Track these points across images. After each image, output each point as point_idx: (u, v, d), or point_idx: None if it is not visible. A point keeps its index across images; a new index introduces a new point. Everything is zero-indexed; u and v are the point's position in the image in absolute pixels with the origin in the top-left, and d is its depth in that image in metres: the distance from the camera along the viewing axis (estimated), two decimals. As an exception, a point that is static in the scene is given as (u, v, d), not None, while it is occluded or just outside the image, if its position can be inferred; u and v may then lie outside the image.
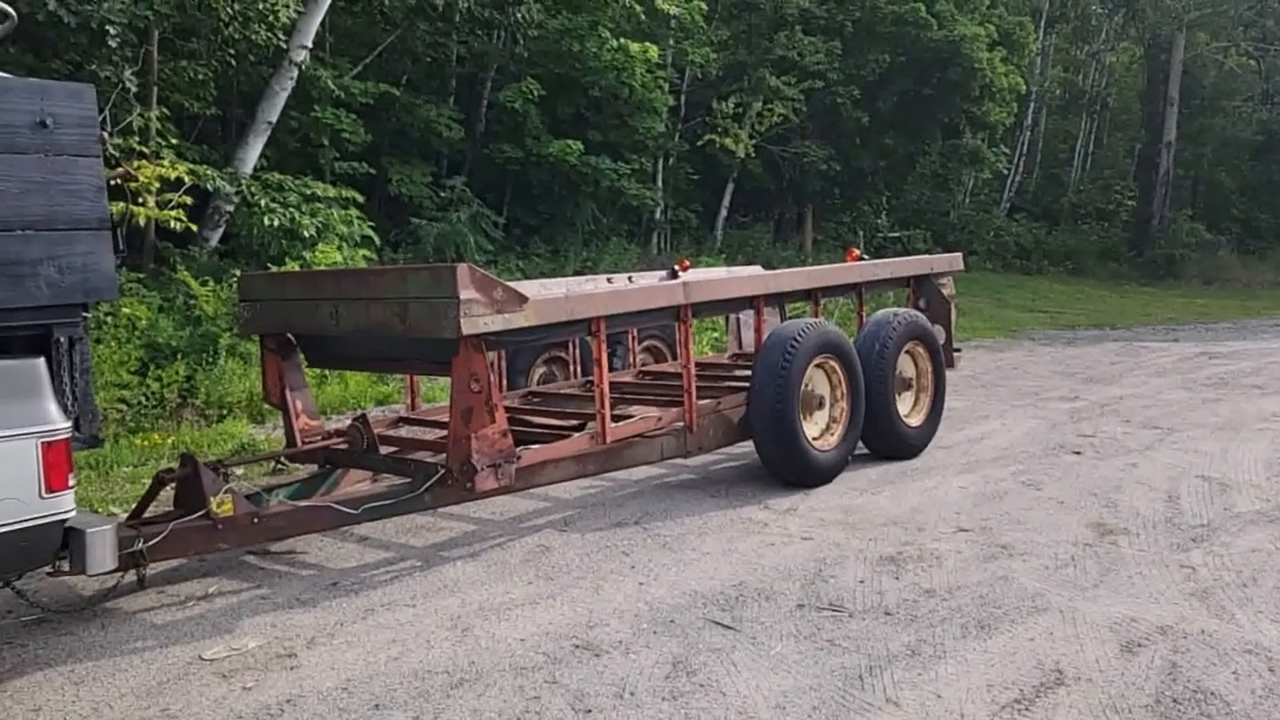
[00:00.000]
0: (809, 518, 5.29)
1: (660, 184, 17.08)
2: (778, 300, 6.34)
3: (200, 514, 4.22)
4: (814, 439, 5.84)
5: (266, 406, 8.14)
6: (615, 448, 5.24)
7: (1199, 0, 26.43)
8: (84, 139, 3.20)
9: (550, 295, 5.11)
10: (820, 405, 5.95)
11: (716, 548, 4.81)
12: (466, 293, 4.30)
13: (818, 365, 5.86)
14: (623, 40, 14.15)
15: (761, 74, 16.59)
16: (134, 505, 4.48)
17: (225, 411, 8.05)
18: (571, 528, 5.23)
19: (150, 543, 4.03)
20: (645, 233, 17.35)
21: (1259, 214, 27.64)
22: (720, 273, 8.39)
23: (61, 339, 3.24)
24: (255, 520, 4.35)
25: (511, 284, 4.71)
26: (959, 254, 7.98)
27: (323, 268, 9.53)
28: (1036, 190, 29.45)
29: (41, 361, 3.19)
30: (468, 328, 4.30)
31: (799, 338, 5.66)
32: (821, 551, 4.73)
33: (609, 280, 7.47)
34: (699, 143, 16.51)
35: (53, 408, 3.17)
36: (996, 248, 25.22)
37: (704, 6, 15.77)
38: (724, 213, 18.67)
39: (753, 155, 16.72)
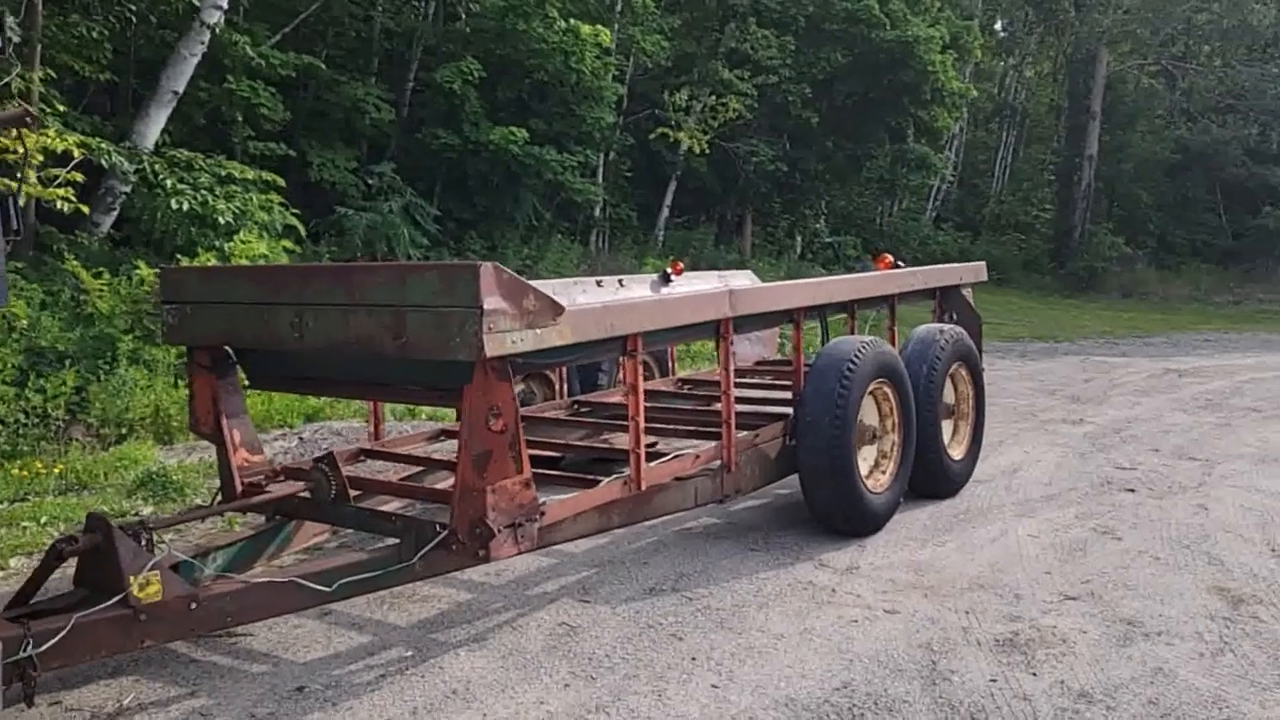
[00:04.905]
0: (877, 579, 4.37)
1: (600, 179, 16.01)
2: (819, 312, 5.41)
3: (117, 599, 3.04)
4: (864, 478, 4.93)
5: (176, 426, 6.82)
6: (647, 494, 4.21)
7: (1121, 17, 26.76)
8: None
9: (585, 305, 4.05)
10: (871, 439, 5.05)
11: (788, 627, 3.84)
12: (491, 301, 3.21)
13: (870, 392, 4.95)
14: (572, 21, 13.03)
15: (714, 66, 15.69)
16: (18, 586, 3.22)
17: (125, 431, 6.67)
18: (595, 596, 4.17)
19: (43, 646, 2.86)
20: (583, 230, 16.25)
21: (1174, 230, 28.17)
22: (713, 278, 7.43)
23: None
24: (193, 605, 3.18)
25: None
26: (982, 264, 7.20)
27: (245, 263, 8.19)
28: (959, 200, 29.49)
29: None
30: (492, 347, 3.22)
31: (856, 359, 4.74)
32: (919, 631, 3.80)
33: (599, 284, 6.45)
34: (651, 136, 15.48)
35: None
36: (924, 256, 24.94)
37: (655, -11, 14.83)
38: (665, 212, 17.71)
39: (706, 151, 15.78)
